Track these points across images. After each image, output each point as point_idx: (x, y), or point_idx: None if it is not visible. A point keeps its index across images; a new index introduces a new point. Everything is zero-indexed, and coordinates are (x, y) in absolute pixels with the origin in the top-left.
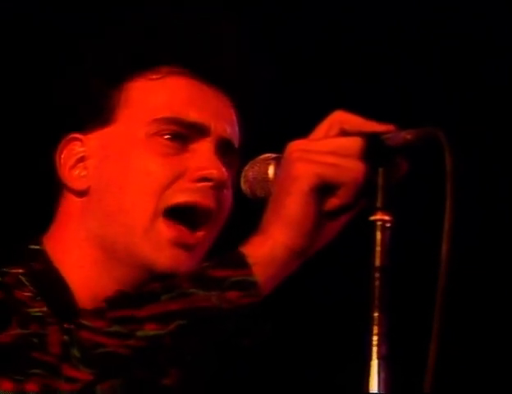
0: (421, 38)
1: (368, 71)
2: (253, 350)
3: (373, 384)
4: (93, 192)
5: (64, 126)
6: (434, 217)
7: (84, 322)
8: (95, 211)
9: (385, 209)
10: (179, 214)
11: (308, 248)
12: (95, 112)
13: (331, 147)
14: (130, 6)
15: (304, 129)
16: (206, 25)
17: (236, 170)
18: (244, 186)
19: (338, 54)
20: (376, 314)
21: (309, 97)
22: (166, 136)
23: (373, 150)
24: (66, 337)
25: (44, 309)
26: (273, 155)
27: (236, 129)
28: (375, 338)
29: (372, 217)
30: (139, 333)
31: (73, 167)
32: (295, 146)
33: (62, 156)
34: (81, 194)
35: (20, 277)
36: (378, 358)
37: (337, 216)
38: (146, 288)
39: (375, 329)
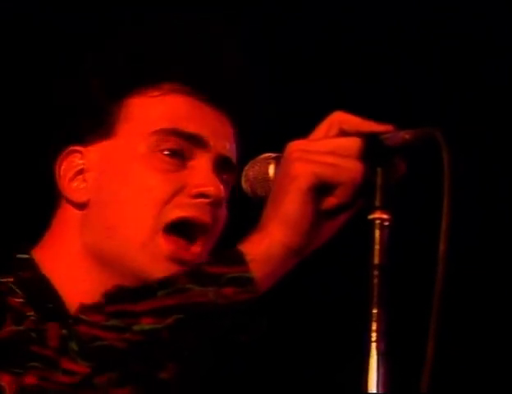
0: (421, 38)
1: (368, 71)
2: (249, 347)
3: (372, 380)
4: (92, 205)
5: (64, 138)
6: (432, 216)
7: (82, 316)
8: (93, 223)
9: (383, 208)
10: (177, 228)
11: (306, 246)
12: (96, 125)
13: (330, 147)
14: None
15: (303, 129)
16: (207, 43)
17: (234, 185)
18: (244, 185)
19: (338, 54)
20: (375, 311)
21: (309, 97)
22: (165, 152)
23: (372, 150)
24: (64, 331)
25: (36, 315)
26: (273, 155)
27: (234, 147)
28: (374, 335)
29: (371, 216)
30: (136, 327)
31: (72, 178)
32: (295, 146)
33: (62, 168)
34: (80, 206)
35: (11, 285)
36: (377, 354)
37: (335, 215)
38: (143, 284)
39: (374, 326)
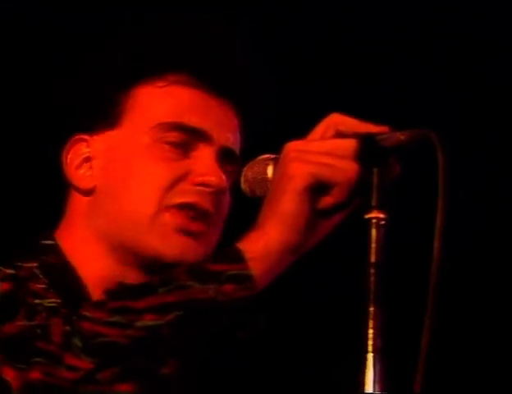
0: (421, 38)
1: (368, 71)
2: (247, 344)
3: (369, 377)
4: (99, 191)
5: (71, 127)
6: (427, 216)
7: (86, 313)
8: (101, 209)
9: (380, 208)
10: (181, 207)
11: (303, 244)
12: (102, 115)
13: (327, 148)
14: (131, 7)
15: (303, 129)
16: (212, 35)
17: (237, 177)
18: (243, 186)
19: (338, 54)
20: (371, 309)
21: (309, 97)
22: (169, 143)
23: (368, 151)
24: (67, 327)
25: (58, 300)
26: (272, 156)
27: (239, 138)
28: (370, 332)
29: (368, 216)
30: (138, 324)
31: (79, 166)
32: (292, 146)
33: (69, 156)
34: (87, 193)
35: (35, 270)
36: (374, 351)
37: (331, 214)
38: (146, 280)
39: (370, 323)
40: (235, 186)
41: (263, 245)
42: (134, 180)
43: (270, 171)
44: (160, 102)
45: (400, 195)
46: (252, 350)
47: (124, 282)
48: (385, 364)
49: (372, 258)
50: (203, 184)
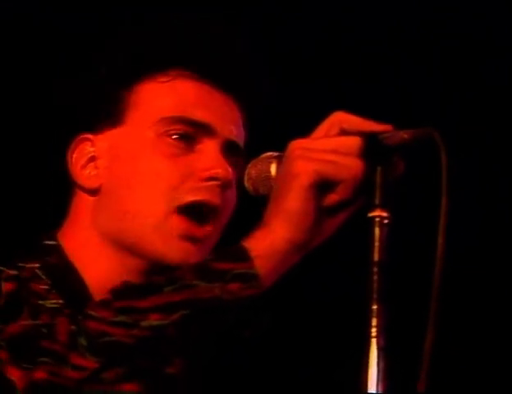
0: (421, 38)
1: (368, 71)
2: (253, 342)
3: (372, 376)
4: (104, 191)
5: (76, 126)
6: (430, 214)
7: (91, 312)
8: (106, 209)
9: (383, 206)
10: (188, 210)
11: (308, 242)
12: (106, 113)
13: (331, 145)
14: (131, 7)
15: (303, 129)
16: (213, 30)
17: (242, 169)
18: (247, 184)
19: (338, 54)
20: (374, 307)
21: (309, 97)
22: (173, 136)
23: (372, 149)
24: (73, 327)
25: (60, 300)
26: (275, 154)
27: (242, 131)
28: (374, 330)
29: (371, 214)
30: (144, 323)
31: (84, 166)
32: (296, 144)
33: (74, 155)
34: (92, 192)
35: (37, 270)
36: (377, 349)
37: (336, 212)
38: (150, 280)
39: (374, 322)
40: (238, 184)
41: (269, 243)
42: (139, 179)
43: (273, 169)
44: (163, 97)
45: (403, 194)
46: (257, 349)
47: (129, 281)
48: (388, 363)
49: (376, 257)
50: (210, 177)
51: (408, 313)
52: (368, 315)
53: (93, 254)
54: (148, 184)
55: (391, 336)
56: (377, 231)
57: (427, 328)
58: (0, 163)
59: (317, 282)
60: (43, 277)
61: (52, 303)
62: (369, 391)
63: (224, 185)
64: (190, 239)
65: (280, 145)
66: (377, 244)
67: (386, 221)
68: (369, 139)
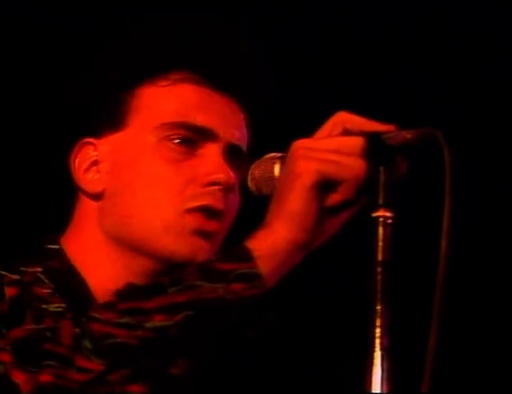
0: (421, 38)
1: (368, 70)
2: (256, 342)
3: (376, 376)
4: (108, 195)
5: (78, 131)
6: (433, 214)
7: (95, 314)
8: (111, 213)
9: (386, 206)
10: (199, 209)
11: (310, 242)
12: (107, 117)
13: (334, 145)
14: (131, 7)
15: (303, 129)
16: (214, 32)
17: (245, 172)
18: (250, 184)
19: (338, 54)
20: (378, 307)
21: (309, 97)
22: (175, 141)
23: (374, 149)
24: (77, 329)
25: (63, 304)
26: (279, 154)
27: (245, 134)
28: (377, 330)
29: (374, 214)
30: (148, 324)
31: (87, 170)
32: (299, 144)
33: (77, 160)
34: (96, 197)
35: (39, 275)
36: (381, 349)
37: (339, 212)
38: (155, 281)
39: (377, 322)
40: (242, 185)
41: (271, 243)
42: (141, 183)
43: (277, 169)
44: (164, 101)
45: (407, 194)
46: (260, 349)
47: (133, 283)
48: (392, 363)
49: (379, 257)
50: (212, 183)
51: (411, 313)
52: (372, 315)
53: (97, 258)
54: (151, 188)
55: (395, 336)
56: (380, 230)
57: (430, 328)
58: (2, 167)
59: (321, 282)
60: (46, 281)
61: (55, 307)
62: (373, 392)
63: (226, 190)
64: (203, 234)
65: (277, 146)
66: (380, 244)
67: (389, 221)
68: (372, 139)
